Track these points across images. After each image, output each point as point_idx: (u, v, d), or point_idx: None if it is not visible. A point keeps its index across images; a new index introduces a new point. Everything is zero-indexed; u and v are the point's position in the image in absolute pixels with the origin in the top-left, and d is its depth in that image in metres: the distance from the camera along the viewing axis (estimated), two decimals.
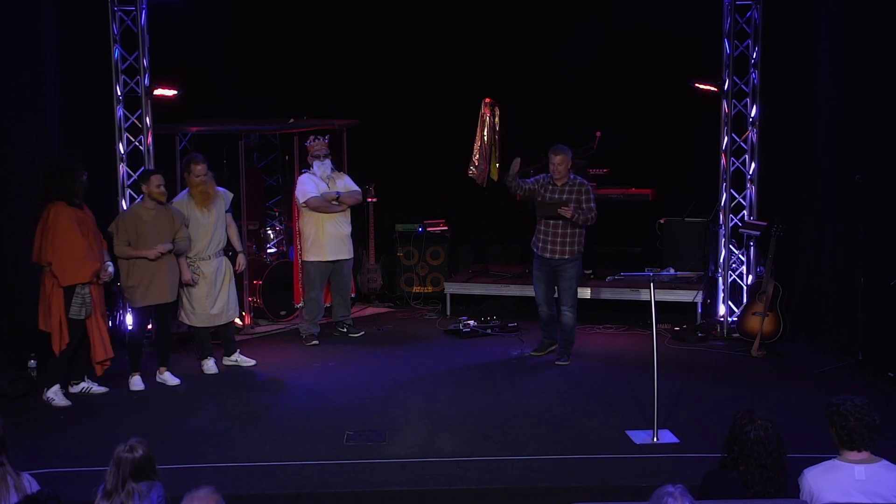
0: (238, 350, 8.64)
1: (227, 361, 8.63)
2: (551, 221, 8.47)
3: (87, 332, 7.64)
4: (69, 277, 7.44)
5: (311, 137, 9.53)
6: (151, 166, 9.24)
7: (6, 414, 7.37)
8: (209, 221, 8.37)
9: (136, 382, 8.09)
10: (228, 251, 8.61)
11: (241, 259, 8.64)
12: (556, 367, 8.54)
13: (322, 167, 9.37)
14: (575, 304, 8.61)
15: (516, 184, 8.57)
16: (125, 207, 9.15)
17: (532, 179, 8.61)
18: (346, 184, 9.51)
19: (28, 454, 6.21)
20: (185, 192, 8.53)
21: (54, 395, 7.60)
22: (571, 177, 8.50)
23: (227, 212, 8.54)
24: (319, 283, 9.45)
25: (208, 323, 8.47)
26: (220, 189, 8.60)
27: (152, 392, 8.04)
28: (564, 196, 8.42)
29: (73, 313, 7.50)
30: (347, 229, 9.48)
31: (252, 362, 8.57)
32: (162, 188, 8.08)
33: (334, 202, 9.33)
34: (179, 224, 8.18)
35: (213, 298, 8.40)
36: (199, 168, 8.35)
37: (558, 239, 8.48)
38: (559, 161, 8.38)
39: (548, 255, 8.54)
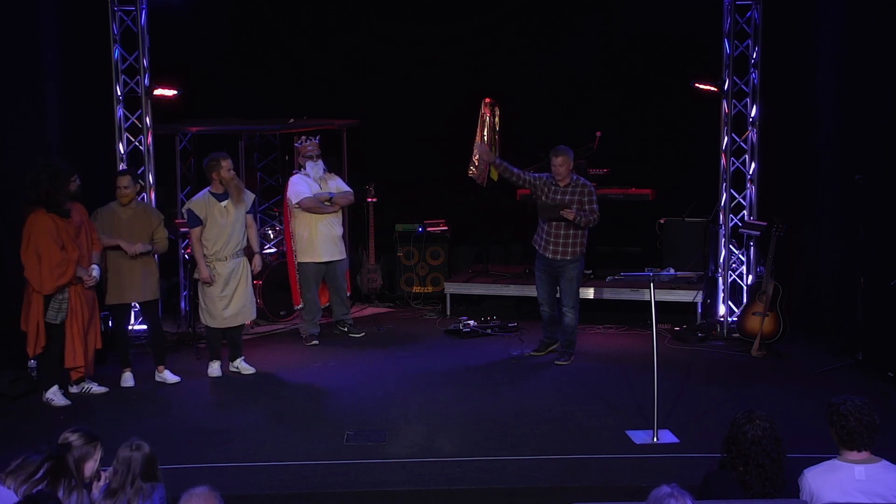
0: (242, 357, 8.56)
1: (230, 368, 8.57)
2: (553, 223, 8.47)
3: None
4: (35, 288, 7.42)
5: (303, 138, 9.48)
6: (152, 166, 9.25)
7: (6, 414, 7.49)
8: (227, 222, 8.26)
9: (127, 379, 8.09)
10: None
11: (257, 260, 8.51)
12: (556, 367, 8.54)
13: (315, 168, 9.34)
14: (576, 305, 8.60)
15: (508, 169, 8.55)
16: None
17: (536, 174, 8.60)
18: (337, 185, 9.49)
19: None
20: (203, 191, 8.36)
21: (53, 395, 7.60)
22: (574, 177, 8.49)
23: (247, 213, 8.44)
24: (314, 283, 9.44)
25: (223, 324, 8.38)
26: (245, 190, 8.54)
27: (152, 391, 8.04)
28: (567, 197, 8.40)
29: (49, 317, 7.48)
30: (340, 230, 9.46)
31: (252, 370, 8.51)
32: (122, 189, 7.96)
33: (327, 203, 9.32)
34: (157, 223, 8.13)
35: (228, 299, 8.33)
36: (228, 162, 8.27)
37: (560, 240, 8.46)
38: (560, 162, 8.37)
39: (549, 255, 8.53)
